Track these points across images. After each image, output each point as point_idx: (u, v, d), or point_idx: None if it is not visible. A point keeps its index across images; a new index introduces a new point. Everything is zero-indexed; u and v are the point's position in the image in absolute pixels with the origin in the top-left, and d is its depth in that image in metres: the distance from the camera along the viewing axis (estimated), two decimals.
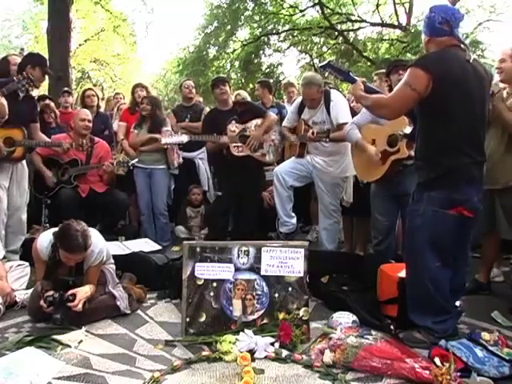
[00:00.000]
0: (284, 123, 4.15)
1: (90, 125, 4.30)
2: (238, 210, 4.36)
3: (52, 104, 4.86)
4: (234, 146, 4.02)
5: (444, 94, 2.24)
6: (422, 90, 2.24)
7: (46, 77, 4.04)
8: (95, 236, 2.76)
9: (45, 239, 2.70)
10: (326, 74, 2.70)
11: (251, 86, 13.65)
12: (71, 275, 2.69)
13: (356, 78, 2.61)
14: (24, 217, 3.82)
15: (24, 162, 3.81)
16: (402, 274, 2.62)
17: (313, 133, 3.73)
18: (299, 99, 4.06)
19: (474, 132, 2.34)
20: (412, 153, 3.23)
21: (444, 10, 2.36)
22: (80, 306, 2.55)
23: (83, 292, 2.61)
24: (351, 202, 3.95)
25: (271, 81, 7.82)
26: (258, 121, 4.13)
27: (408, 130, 3.01)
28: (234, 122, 4.09)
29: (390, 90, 3.42)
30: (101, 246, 2.75)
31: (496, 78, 3.05)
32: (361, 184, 3.86)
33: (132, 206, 4.93)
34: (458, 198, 2.28)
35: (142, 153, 4.52)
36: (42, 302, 2.55)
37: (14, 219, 3.73)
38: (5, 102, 3.30)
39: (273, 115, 4.21)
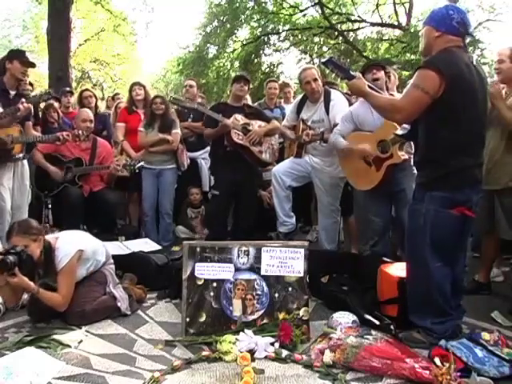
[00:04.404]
0: (283, 123, 4.15)
1: (92, 125, 4.31)
2: (237, 209, 4.36)
3: (56, 104, 4.83)
4: (235, 133, 4.00)
5: (454, 96, 2.19)
6: (434, 92, 2.18)
7: (46, 76, 4.02)
8: (65, 240, 2.70)
9: None
10: (327, 72, 2.67)
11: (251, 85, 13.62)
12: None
13: (355, 74, 2.55)
14: (25, 217, 3.81)
15: (25, 161, 3.82)
16: (402, 274, 2.62)
17: (307, 134, 3.73)
18: (298, 98, 4.06)
19: (479, 134, 2.34)
20: (406, 157, 3.23)
21: (461, 12, 2.33)
22: (13, 278, 2.47)
23: (27, 283, 2.52)
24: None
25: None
26: (262, 123, 4.14)
27: (400, 131, 2.96)
28: (240, 114, 4.09)
29: None
30: (67, 252, 2.63)
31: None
32: (349, 187, 3.85)
33: (132, 206, 4.93)
34: (459, 199, 2.28)
35: (151, 154, 4.45)
36: None
37: (16, 219, 3.73)
38: None
39: (276, 123, 4.20)
